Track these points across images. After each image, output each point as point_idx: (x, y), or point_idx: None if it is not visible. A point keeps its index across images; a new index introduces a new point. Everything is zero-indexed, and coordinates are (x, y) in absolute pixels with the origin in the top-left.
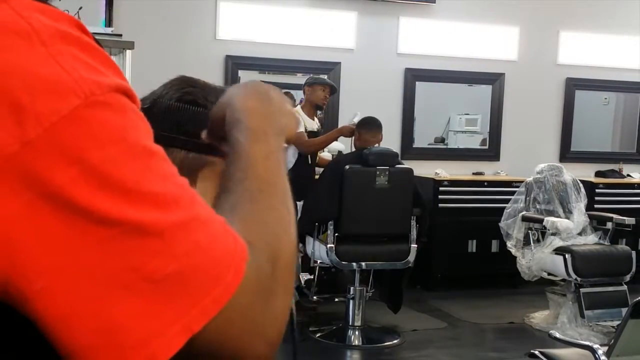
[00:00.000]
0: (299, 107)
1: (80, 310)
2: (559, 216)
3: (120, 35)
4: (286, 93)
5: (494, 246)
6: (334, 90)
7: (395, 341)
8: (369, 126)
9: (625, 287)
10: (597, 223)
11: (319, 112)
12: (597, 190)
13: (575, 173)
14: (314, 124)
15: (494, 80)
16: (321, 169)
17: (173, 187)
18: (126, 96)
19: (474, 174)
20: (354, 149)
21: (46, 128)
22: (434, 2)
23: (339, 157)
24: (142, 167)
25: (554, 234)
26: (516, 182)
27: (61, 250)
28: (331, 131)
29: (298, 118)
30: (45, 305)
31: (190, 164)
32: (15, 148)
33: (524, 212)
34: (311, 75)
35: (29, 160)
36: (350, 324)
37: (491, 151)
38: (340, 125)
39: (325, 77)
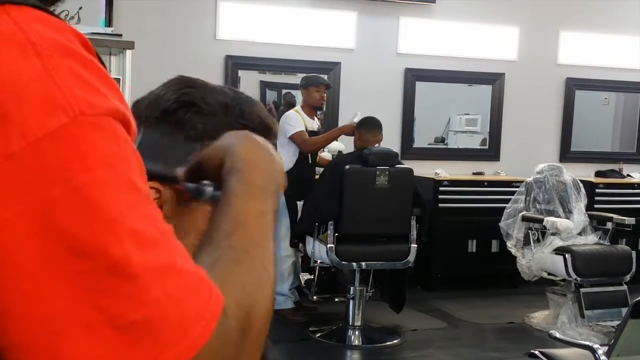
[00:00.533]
0: (298, 107)
1: (32, 341)
2: (559, 216)
3: (120, 35)
4: (287, 93)
5: (494, 246)
6: (329, 87)
7: (395, 341)
8: (369, 126)
9: (625, 287)
10: (597, 223)
11: (319, 112)
12: (597, 190)
13: (575, 173)
14: (314, 124)
15: (494, 80)
16: (321, 169)
17: (154, 230)
18: (122, 123)
19: (474, 174)
20: (354, 149)
21: (30, 142)
22: (434, 2)
23: (339, 157)
24: (128, 201)
25: (554, 234)
26: (516, 182)
27: (28, 272)
28: (332, 130)
29: (284, 175)
30: None
31: None
32: None
33: (524, 212)
34: (305, 75)
35: (9, 174)
36: (351, 324)
37: (491, 151)
38: (340, 125)
39: (325, 77)
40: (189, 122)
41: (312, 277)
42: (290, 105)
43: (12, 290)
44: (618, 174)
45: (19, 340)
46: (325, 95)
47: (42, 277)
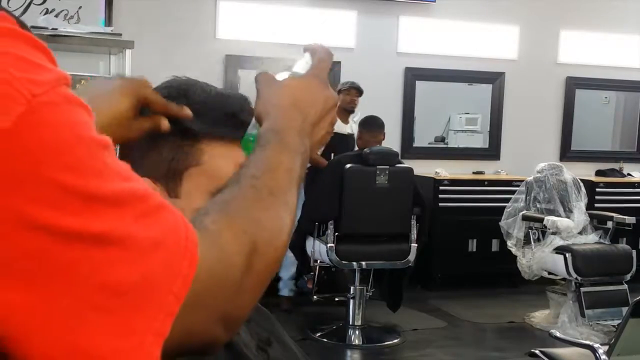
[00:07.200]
0: None
1: (47, 337)
2: (559, 215)
3: (120, 34)
4: None
5: (494, 245)
6: (359, 90)
7: (395, 341)
8: (370, 126)
9: (625, 287)
10: (597, 222)
11: (352, 115)
12: (597, 190)
13: (576, 172)
14: (346, 128)
15: (494, 79)
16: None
17: (126, 181)
18: (66, 85)
19: (474, 173)
20: (357, 149)
21: None
22: (434, 1)
23: (339, 156)
24: (100, 165)
25: (554, 233)
26: (516, 181)
27: (21, 269)
28: None
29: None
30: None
31: (176, 165)
32: None
33: (524, 211)
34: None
35: None
36: (351, 323)
37: (491, 150)
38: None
39: None
40: (186, 121)
41: (312, 276)
42: None
43: (11, 288)
44: (618, 173)
45: (30, 339)
46: (355, 98)
47: (33, 270)
